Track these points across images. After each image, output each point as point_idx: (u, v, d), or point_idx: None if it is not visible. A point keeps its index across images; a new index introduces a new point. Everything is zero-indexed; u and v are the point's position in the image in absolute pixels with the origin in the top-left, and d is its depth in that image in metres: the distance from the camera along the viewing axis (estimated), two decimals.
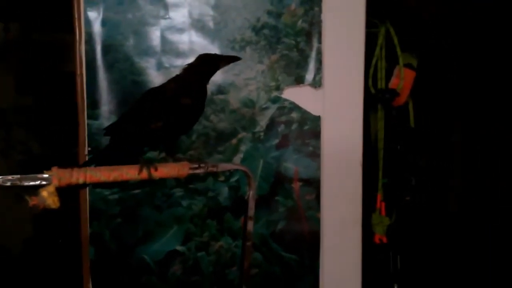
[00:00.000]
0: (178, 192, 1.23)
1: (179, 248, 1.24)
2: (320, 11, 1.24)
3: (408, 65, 1.66)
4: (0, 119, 3.81)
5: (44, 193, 0.70)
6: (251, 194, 0.96)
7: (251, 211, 0.97)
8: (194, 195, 1.23)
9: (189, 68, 0.92)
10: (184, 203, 1.23)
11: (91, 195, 1.20)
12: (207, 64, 0.91)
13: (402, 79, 1.59)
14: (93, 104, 1.18)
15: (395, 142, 1.75)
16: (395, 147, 1.75)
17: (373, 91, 1.61)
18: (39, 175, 0.71)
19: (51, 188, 0.70)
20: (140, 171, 0.79)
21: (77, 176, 0.73)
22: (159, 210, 1.22)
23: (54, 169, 0.72)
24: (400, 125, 1.76)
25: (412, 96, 1.73)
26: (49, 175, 0.71)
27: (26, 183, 0.70)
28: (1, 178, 0.71)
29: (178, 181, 1.22)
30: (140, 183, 1.20)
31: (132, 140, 0.91)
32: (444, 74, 1.93)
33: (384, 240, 1.68)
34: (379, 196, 1.66)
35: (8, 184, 0.71)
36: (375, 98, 1.63)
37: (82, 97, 1.18)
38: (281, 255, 1.27)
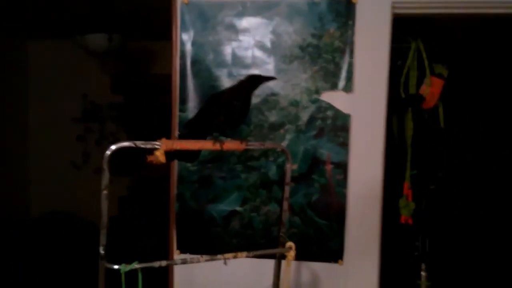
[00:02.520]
0: (239, 167, 1.66)
1: (238, 208, 1.67)
2: (352, 34, 1.59)
3: (438, 75, 1.95)
4: (97, 114, 4.54)
5: (158, 153, 1.16)
6: (288, 166, 1.36)
7: (288, 178, 1.37)
8: (251, 170, 1.65)
9: (240, 82, 1.36)
10: (243, 176, 1.66)
11: (178, 166, 1.67)
12: (252, 81, 1.34)
13: (429, 86, 1.89)
14: (182, 101, 1.66)
15: (425, 140, 2.04)
16: (425, 144, 2.04)
17: (403, 96, 1.93)
18: (154, 142, 1.17)
19: (161, 150, 1.16)
20: (214, 143, 1.23)
21: (176, 144, 1.18)
22: (225, 180, 1.66)
23: (163, 139, 1.18)
24: (430, 126, 2.04)
25: (443, 101, 2.02)
26: (160, 142, 1.17)
27: (146, 146, 1.17)
28: (129, 142, 1.17)
29: (239, 159, 1.65)
30: (212, 159, 1.65)
31: (205, 128, 1.36)
32: (472, 83, 2.17)
33: (410, 222, 1.98)
34: (406, 185, 1.97)
35: (133, 145, 1.17)
36: (405, 102, 1.94)
37: (176, 96, 1.66)
38: (315, 220, 1.64)
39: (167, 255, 1.73)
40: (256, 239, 1.66)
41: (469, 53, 2.06)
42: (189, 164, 1.66)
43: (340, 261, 1.64)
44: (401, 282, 2.06)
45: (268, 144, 1.46)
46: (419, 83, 1.96)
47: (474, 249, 2.06)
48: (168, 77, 4.40)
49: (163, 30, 3.56)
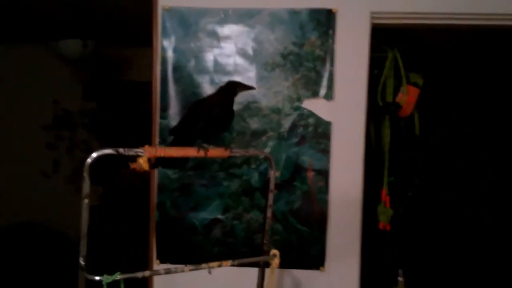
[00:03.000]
0: (221, 175, 1.65)
1: (220, 216, 1.65)
2: (333, 42, 1.62)
3: (414, 84, 2.00)
4: (68, 121, 4.43)
5: (141, 160, 1.14)
6: (272, 173, 1.36)
7: (272, 185, 1.37)
8: (232, 178, 1.64)
9: (220, 89, 1.36)
10: (225, 183, 1.64)
11: (159, 174, 1.64)
12: (231, 87, 1.34)
13: (405, 95, 1.94)
14: (163, 108, 1.63)
15: (402, 147, 2.08)
16: (402, 151, 2.08)
17: (381, 104, 1.97)
18: (137, 149, 1.14)
19: (145, 158, 1.14)
20: (198, 150, 1.22)
21: (159, 151, 1.16)
22: (206, 187, 1.64)
23: (146, 147, 1.16)
24: (406, 133, 2.09)
25: (418, 109, 2.07)
26: (143, 150, 1.15)
27: (129, 153, 1.14)
28: (111, 149, 1.14)
29: (221, 166, 1.64)
30: (193, 167, 1.63)
31: (188, 135, 1.35)
32: (446, 92, 2.25)
33: (388, 228, 2.01)
34: (384, 191, 2.00)
35: (116, 153, 1.15)
36: (383, 110, 1.98)
37: (156, 103, 1.64)
38: (296, 227, 1.64)
39: (144, 265, 1.69)
40: (238, 247, 1.64)
41: (443, 62, 2.14)
42: (170, 172, 1.63)
43: (321, 267, 1.64)
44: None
45: (253, 151, 1.46)
46: (395, 91, 2.01)
47: (451, 254, 2.12)
48: (143, 84, 4.33)
49: (139, 36, 3.52)
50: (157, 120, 1.64)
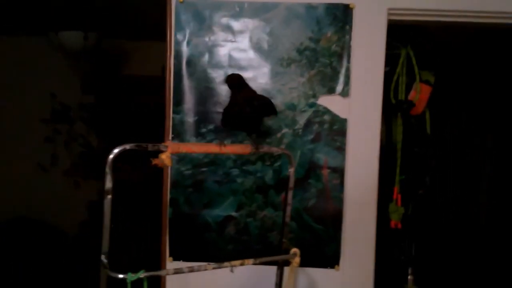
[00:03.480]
0: (235, 171, 1.62)
1: (233, 213, 1.63)
2: (350, 38, 1.60)
3: (426, 81, 1.98)
4: (66, 114, 4.37)
5: (163, 156, 1.11)
6: (292, 171, 1.34)
7: (291, 183, 1.35)
8: (246, 174, 1.62)
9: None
10: (239, 180, 1.62)
11: (171, 170, 1.61)
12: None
13: (418, 93, 1.92)
14: (177, 102, 1.60)
15: (413, 145, 2.07)
16: (413, 150, 2.07)
17: (393, 101, 1.95)
18: (160, 144, 1.12)
19: (167, 153, 1.11)
20: (220, 146, 1.19)
21: (183, 147, 1.14)
22: (220, 184, 1.62)
23: (168, 142, 1.13)
24: (418, 131, 2.08)
25: (429, 107, 2.06)
26: (166, 145, 1.12)
27: (151, 148, 1.11)
28: (135, 144, 1.11)
29: (235, 163, 1.61)
30: (207, 163, 1.61)
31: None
32: (458, 90, 2.24)
33: (399, 226, 2.00)
34: (396, 189, 1.99)
35: (138, 148, 1.12)
36: (395, 108, 1.96)
37: (169, 97, 1.60)
38: (311, 225, 1.63)
39: (154, 262, 1.66)
40: (252, 245, 1.62)
41: (454, 59, 2.13)
42: (183, 168, 1.60)
43: (336, 266, 1.63)
44: (389, 286, 2.08)
45: (274, 149, 1.43)
46: (407, 89, 1.99)
47: (460, 252, 2.12)
48: (144, 79, 4.27)
49: (143, 29, 3.46)
50: (170, 115, 1.60)
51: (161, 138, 1.72)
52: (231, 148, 1.21)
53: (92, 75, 4.30)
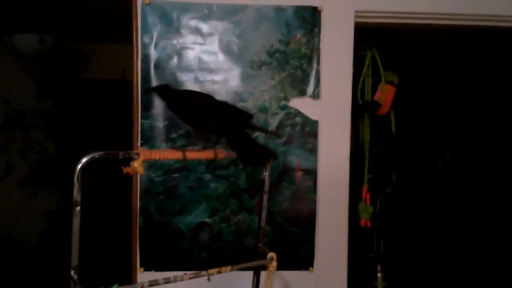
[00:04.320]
0: (207, 176, 1.59)
1: (206, 220, 1.59)
2: (319, 41, 1.61)
3: (390, 82, 2.03)
4: (20, 121, 4.17)
5: (135, 164, 1.06)
6: (266, 174, 1.33)
7: (266, 187, 1.34)
8: (219, 179, 1.59)
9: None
10: (212, 185, 1.59)
11: (141, 177, 1.56)
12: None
13: (384, 93, 1.96)
14: (145, 108, 1.55)
15: (379, 145, 2.12)
16: (379, 149, 2.11)
17: (360, 102, 1.98)
18: (132, 151, 1.07)
19: (139, 161, 1.07)
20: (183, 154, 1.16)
21: (155, 154, 1.10)
22: (192, 190, 1.58)
23: (140, 149, 1.09)
24: (383, 131, 2.12)
25: (394, 107, 2.11)
26: (138, 152, 1.07)
27: (123, 156, 1.07)
28: (104, 152, 1.06)
29: (207, 168, 1.58)
30: (178, 169, 1.56)
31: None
32: (421, 90, 2.31)
33: (369, 224, 2.03)
34: (365, 188, 2.02)
35: (108, 156, 1.07)
36: (362, 108, 1.99)
37: (137, 102, 1.55)
38: (285, 227, 1.62)
39: (119, 272, 1.61)
40: (226, 251, 1.60)
41: (417, 60, 2.19)
42: (153, 175, 1.55)
43: (311, 268, 1.63)
44: (358, 283, 2.11)
45: None
46: (373, 90, 2.03)
47: (427, 248, 2.18)
48: (104, 82, 4.14)
49: (102, 31, 3.35)
50: (138, 120, 1.55)
51: (124, 143, 1.67)
52: (201, 154, 1.18)
53: (48, 79, 4.12)
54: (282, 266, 1.59)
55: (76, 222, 1.01)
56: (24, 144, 4.16)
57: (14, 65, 3.86)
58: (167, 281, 1.10)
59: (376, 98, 2.00)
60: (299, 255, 1.62)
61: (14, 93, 4.03)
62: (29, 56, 3.15)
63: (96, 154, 1.04)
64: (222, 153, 1.24)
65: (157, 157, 1.10)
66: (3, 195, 3.99)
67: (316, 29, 1.61)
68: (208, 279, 1.15)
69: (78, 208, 1.00)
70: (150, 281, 1.08)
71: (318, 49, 1.61)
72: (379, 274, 2.13)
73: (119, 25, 1.68)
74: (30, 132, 4.16)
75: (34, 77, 4.04)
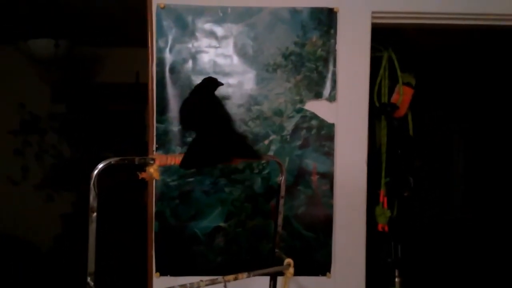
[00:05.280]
0: (222, 181, 1.57)
1: (222, 224, 1.58)
2: (335, 42, 1.58)
3: (407, 84, 2.00)
4: (36, 125, 4.22)
5: (151, 169, 1.05)
6: (282, 179, 1.31)
7: (282, 192, 1.32)
8: (234, 184, 1.57)
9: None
10: (227, 189, 1.57)
11: (156, 182, 1.55)
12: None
13: (402, 95, 1.93)
14: (161, 111, 1.54)
15: (396, 148, 2.08)
16: (396, 152, 2.08)
17: (377, 104, 1.95)
18: (147, 157, 1.06)
19: (155, 166, 1.06)
20: None
21: (170, 159, 1.08)
22: (207, 195, 1.57)
23: (156, 155, 1.08)
24: (400, 134, 2.09)
25: (411, 109, 2.07)
26: (154, 158, 1.06)
27: (138, 162, 1.06)
28: (120, 158, 1.06)
29: (222, 172, 1.57)
30: (193, 173, 1.55)
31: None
32: (438, 92, 2.27)
33: (386, 229, 2.00)
34: (382, 192, 1.98)
35: (124, 162, 1.06)
36: (379, 110, 1.96)
37: (152, 106, 1.54)
38: (301, 232, 1.60)
39: (134, 277, 1.60)
40: (242, 255, 1.58)
41: (434, 61, 2.16)
42: (168, 179, 1.54)
43: (328, 273, 1.60)
44: None
45: (266, 157, 1.39)
46: (389, 92, 2.00)
47: (444, 253, 2.14)
48: (118, 86, 4.16)
49: (116, 35, 3.37)
50: (153, 124, 1.54)
51: (138, 146, 1.67)
52: None
53: (62, 84, 4.16)
54: (299, 271, 1.56)
55: (92, 228, 1.00)
56: (39, 148, 4.20)
57: (29, 70, 3.91)
58: (183, 287, 1.08)
59: (393, 100, 1.96)
60: (315, 260, 1.60)
61: (29, 97, 4.07)
62: (44, 61, 3.18)
63: (112, 160, 1.03)
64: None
65: (172, 163, 1.08)
66: (19, 198, 4.04)
67: (332, 31, 1.58)
68: (225, 286, 1.13)
69: (95, 214, 0.99)
70: None
71: (334, 51, 1.58)
72: (396, 279, 2.09)
73: (133, 29, 1.68)
74: (45, 136, 4.20)
75: (49, 81, 4.09)
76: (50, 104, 4.18)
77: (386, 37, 1.98)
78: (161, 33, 1.54)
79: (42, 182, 4.15)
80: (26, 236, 3.97)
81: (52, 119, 4.20)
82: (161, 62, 1.54)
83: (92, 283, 1.00)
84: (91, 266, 1.01)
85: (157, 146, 1.54)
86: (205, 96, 1.32)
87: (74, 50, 3.52)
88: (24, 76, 3.97)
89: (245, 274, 1.17)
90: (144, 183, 1.53)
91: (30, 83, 4.04)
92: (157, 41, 1.54)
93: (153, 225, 1.55)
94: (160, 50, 1.54)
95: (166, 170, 1.53)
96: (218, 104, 1.36)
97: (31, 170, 4.14)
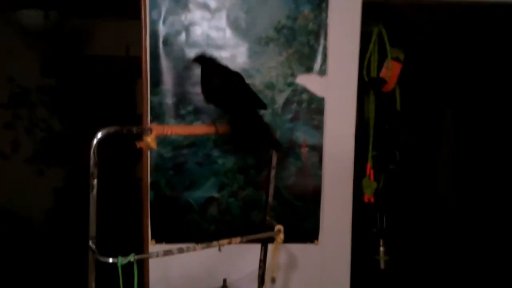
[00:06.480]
0: (215, 152, 1.62)
1: (215, 194, 1.63)
2: (326, 16, 1.61)
3: (396, 59, 2.03)
4: (25, 98, 4.17)
5: (148, 139, 1.09)
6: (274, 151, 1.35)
7: (274, 163, 1.37)
8: (227, 155, 1.62)
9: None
10: (220, 161, 1.62)
11: (151, 153, 1.59)
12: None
13: (390, 70, 1.97)
14: (155, 84, 1.57)
15: (383, 122, 2.13)
16: (384, 126, 2.13)
17: (366, 79, 1.99)
18: (145, 127, 1.10)
19: (153, 136, 1.09)
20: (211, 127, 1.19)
21: (167, 129, 1.12)
22: (201, 166, 1.61)
23: (153, 125, 1.11)
24: (388, 108, 2.14)
25: (399, 84, 2.12)
26: (151, 128, 1.10)
27: (136, 131, 1.09)
28: (119, 127, 1.08)
29: (215, 143, 1.61)
30: (187, 145, 1.59)
31: None
32: (427, 66, 2.31)
33: (372, 200, 2.07)
34: (369, 165, 2.05)
35: (122, 131, 1.09)
36: (368, 85, 2.01)
37: (146, 78, 1.56)
38: (291, 202, 1.66)
39: (131, 244, 1.65)
40: (234, 225, 1.64)
41: (423, 36, 2.19)
42: (163, 151, 1.58)
43: (316, 241, 1.68)
44: (362, 257, 2.17)
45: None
46: (378, 67, 2.04)
47: (429, 224, 2.23)
48: (108, 58, 4.11)
49: (106, 6, 3.32)
50: (148, 96, 1.57)
51: (130, 120, 1.69)
52: (221, 129, 1.20)
53: (52, 56, 4.10)
54: (288, 238, 1.63)
55: (93, 194, 1.04)
56: (29, 122, 4.18)
57: (18, 41, 3.84)
58: (181, 251, 1.14)
59: (381, 74, 2.00)
60: (304, 228, 1.67)
61: (18, 70, 4.02)
62: (34, 33, 3.14)
63: (111, 129, 1.06)
64: (223, 128, 1.26)
65: (169, 132, 1.12)
66: (10, 172, 4.04)
67: (323, 4, 1.60)
68: (219, 249, 1.19)
69: (95, 180, 1.04)
70: (164, 251, 1.12)
71: (326, 25, 1.61)
72: (381, 248, 2.18)
73: (125, 1, 1.68)
74: (35, 110, 4.17)
75: (38, 53, 4.03)
76: (40, 77, 4.13)
77: (377, 12, 2.01)
78: (155, 5, 1.55)
79: (33, 156, 4.15)
80: (18, 209, 3.99)
81: (41, 92, 4.16)
82: (154, 35, 1.56)
83: (93, 246, 1.05)
84: (92, 230, 1.06)
85: (151, 118, 1.57)
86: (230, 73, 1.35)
87: (64, 22, 3.46)
88: (13, 48, 3.91)
89: (238, 239, 1.24)
90: (138, 156, 1.57)
91: (19, 55, 3.98)
92: (150, 13, 1.55)
93: (148, 194, 1.60)
94: (154, 22, 1.55)
95: (160, 141, 1.56)
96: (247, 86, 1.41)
97: (22, 144, 4.12)
